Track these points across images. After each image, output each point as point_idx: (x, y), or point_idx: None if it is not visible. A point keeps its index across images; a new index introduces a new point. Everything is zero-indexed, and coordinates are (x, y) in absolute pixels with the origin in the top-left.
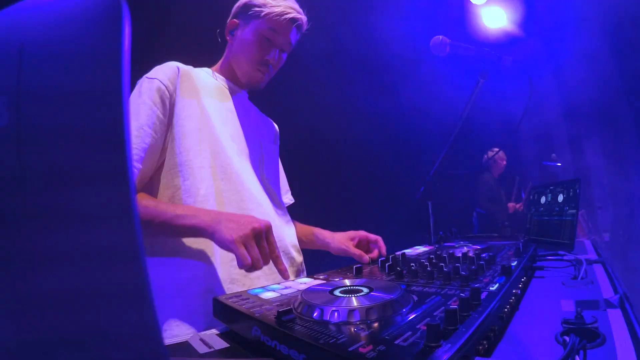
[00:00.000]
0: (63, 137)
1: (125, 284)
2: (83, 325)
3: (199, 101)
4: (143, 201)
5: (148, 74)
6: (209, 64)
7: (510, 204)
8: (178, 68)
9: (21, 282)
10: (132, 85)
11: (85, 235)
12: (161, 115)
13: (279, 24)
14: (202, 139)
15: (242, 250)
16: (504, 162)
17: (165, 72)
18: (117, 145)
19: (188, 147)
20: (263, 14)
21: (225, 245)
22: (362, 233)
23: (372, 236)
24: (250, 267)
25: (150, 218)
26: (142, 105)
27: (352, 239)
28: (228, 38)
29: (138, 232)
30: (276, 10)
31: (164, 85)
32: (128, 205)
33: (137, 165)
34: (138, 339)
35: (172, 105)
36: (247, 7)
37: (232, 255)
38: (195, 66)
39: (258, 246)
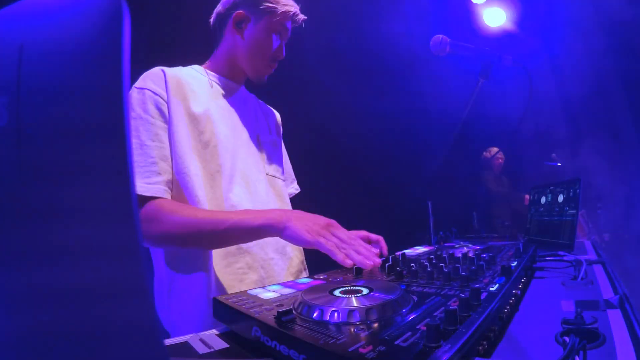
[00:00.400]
0: (63, 136)
1: (125, 281)
2: (82, 323)
3: (187, 106)
4: (198, 213)
5: (136, 84)
6: (200, 61)
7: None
8: (164, 73)
9: (21, 279)
10: (132, 84)
11: (84, 232)
12: (163, 124)
13: (292, 22)
14: (193, 146)
15: (322, 238)
16: (500, 160)
17: (153, 80)
18: (117, 142)
19: (182, 154)
20: (280, 11)
21: (299, 239)
22: (363, 233)
23: (374, 236)
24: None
25: (213, 227)
26: (138, 119)
27: None
28: (234, 30)
29: (137, 230)
30: (291, 10)
31: (156, 94)
32: (128, 202)
33: (156, 180)
34: (138, 338)
35: (168, 112)
36: (257, 0)
37: (226, 262)
38: (186, 64)
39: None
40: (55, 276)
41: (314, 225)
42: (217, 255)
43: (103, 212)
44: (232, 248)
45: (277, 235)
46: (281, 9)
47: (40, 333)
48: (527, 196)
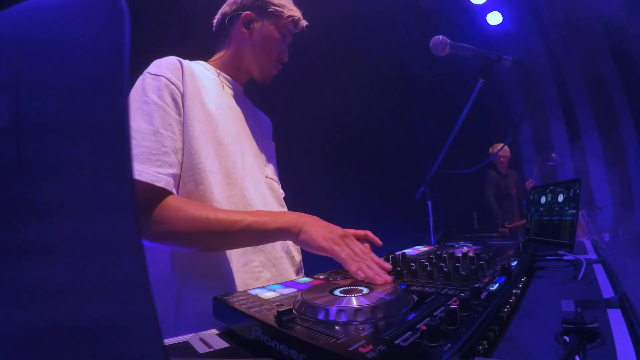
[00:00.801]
0: (64, 134)
1: (125, 278)
2: (81, 321)
3: (201, 100)
4: (210, 211)
5: (150, 70)
6: (200, 57)
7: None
8: (181, 63)
9: (20, 276)
10: (132, 82)
11: (84, 229)
12: (176, 115)
13: (294, 26)
14: (208, 141)
15: (337, 247)
16: (502, 159)
17: (169, 68)
18: (118, 140)
19: (198, 149)
20: (286, 15)
21: (314, 244)
22: (349, 231)
23: (360, 232)
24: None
25: (226, 228)
26: (152, 105)
27: None
28: (243, 30)
29: (138, 226)
30: (296, 15)
31: (172, 83)
32: (128, 199)
33: (167, 172)
34: (137, 336)
35: (183, 104)
36: (265, 3)
37: (244, 261)
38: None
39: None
40: (55, 273)
41: (330, 234)
42: (235, 255)
43: (103, 208)
44: (248, 247)
45: (292, 239)
46: (287, 12)
47: (39, 331)
48: (528, 182)
